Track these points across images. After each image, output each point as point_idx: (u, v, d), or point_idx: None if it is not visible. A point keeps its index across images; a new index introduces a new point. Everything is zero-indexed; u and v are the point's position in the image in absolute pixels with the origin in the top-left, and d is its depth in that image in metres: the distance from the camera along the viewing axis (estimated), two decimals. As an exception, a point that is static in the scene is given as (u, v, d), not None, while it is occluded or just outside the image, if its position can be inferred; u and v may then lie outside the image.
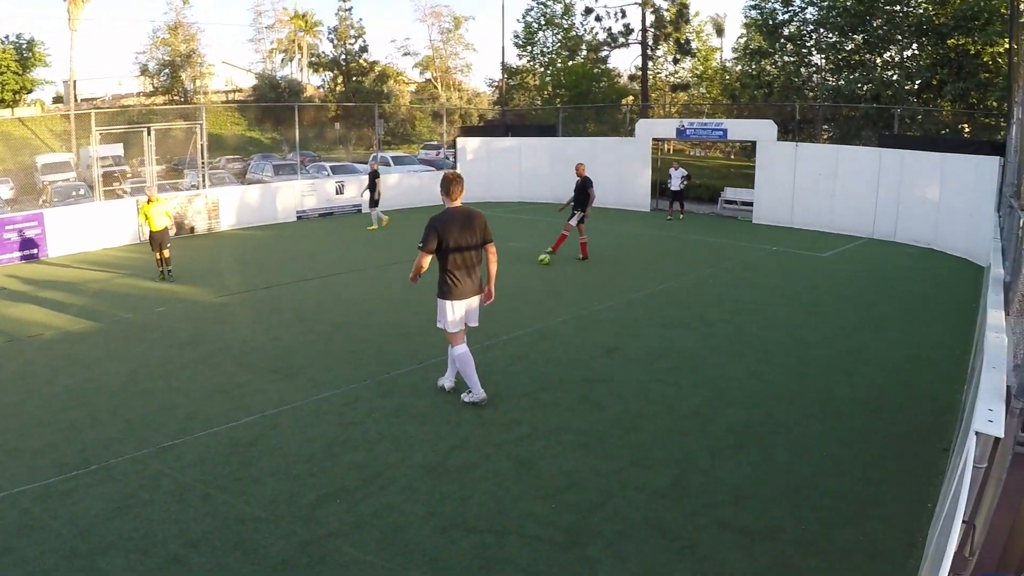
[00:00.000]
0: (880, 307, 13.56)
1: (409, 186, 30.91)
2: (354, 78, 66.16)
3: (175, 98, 62.26)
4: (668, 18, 51.22)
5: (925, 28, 32.28)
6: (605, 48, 54.77)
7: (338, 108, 57.30)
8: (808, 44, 38.85)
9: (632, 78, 56.35)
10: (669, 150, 44.83)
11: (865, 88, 34.02)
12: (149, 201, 17.39)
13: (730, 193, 29.04)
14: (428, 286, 15.22)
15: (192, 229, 24.15)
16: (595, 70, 52.77)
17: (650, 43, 52.56)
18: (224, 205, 25.08)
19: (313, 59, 70.39)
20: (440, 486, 7.03)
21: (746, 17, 45.36)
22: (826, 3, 36.52)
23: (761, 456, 7.48)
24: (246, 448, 8.05)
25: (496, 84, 63.08)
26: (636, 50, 53.55)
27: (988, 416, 3.71)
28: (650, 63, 53.90)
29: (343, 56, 67.87)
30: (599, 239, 21.13)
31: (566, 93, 50.23)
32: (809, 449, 7.61)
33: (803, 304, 13.75)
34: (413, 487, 7.03)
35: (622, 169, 28.83)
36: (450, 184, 8.99)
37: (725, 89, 46.68)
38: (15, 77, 57.04)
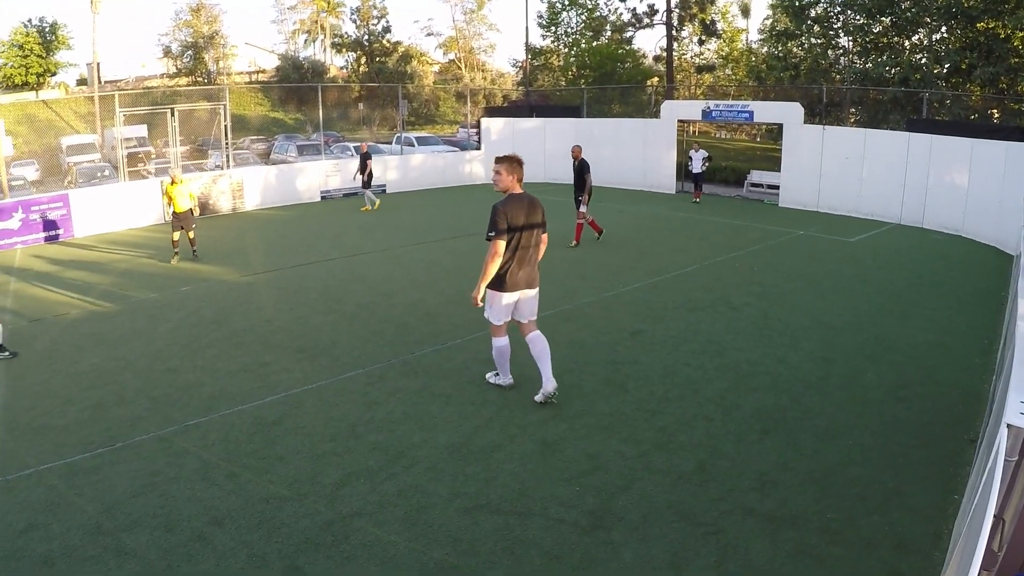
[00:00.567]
0: (907, 294, 13.44)
1: (433, 166, 30.89)
2: (377, 59, 66.11)
3: (198, 79, 62.47)
4: (693, -1, 50.91)
5: (954, 11, 31.77)
6: (630, 28, 54.54)
7: (362, 89, 57.28)
8: (835, 26, 38.37)
9: (657, 59, 56.10)
10: (694, 132, 44.57)
11: (893, 71, 33.56)
12: (173, 182, 17.33)
13: (756, 176, 28.78)
14: (454, 266, 15.23)
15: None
16: (620, 51, 52.53)
17: (675, 23, 52.22)
18: (248, 185, 25.15)
19: (336, 40, 70.39)
20: (464, 467, 7.05)
21: (772, -3, 44.89)
22: (854, -17, 36.10)
23: (787, 442, 7.44)
24: (270, 427, 8.10)
25: (520, 64, 62.87)
26: (661, 31, 53.34)
27: (1020, 408, 3.65)
28: (675, 44, 53.57)
29: (366, 37, 67.85)
30: (625, 220, 21.07)
31: (591, 74, 50.01)
32: (835, 436, 7.56)
33: (829, 289, 13.64)
34: (437, 468, 7.05)
35: (647, 151, 28.70)
36: (514, 167, 8.38)
37: (751, 71, 46.24)
38: (39, 60, 57.54)
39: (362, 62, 67.98)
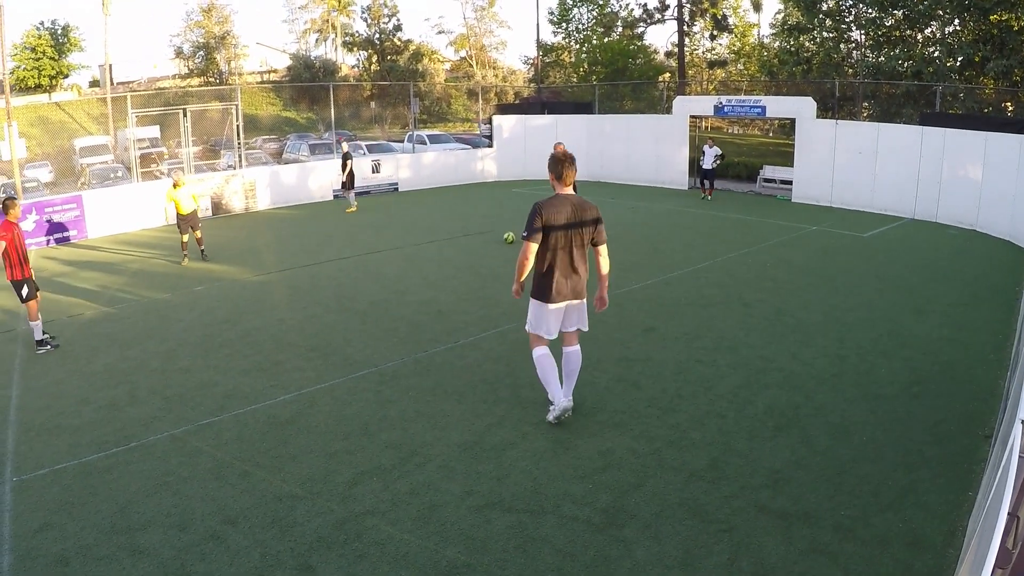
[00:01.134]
0: (921, 289, 13.38)
1: (445, 164, 30.90)
2: (388, 57, 66.21)
3: (210, 80, 62.73)
4: (705, -7, 50.79)
5: (967, 3, 31.51)
6: (641, 24, 54.48)
7: (373, 87, 57.39)
8: (847, 19, 38.15)
9: (668, 55, 55.98)
10: (706, 127, 44.46)
11: (906, 65, 33.39)
12: (175, 185, 17.19)
13: (769, 171, 28.71)
14: (466, 265, 15.24)
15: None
16: (631, 47, 52.42)
17: (686, 19, 52.17)
18: (261, 185, 25.21)
19: (347, 39, 70.48)
20: (476, 465, 7.06)
21: (784, -9, 44.72)
22: (866, -23, 35.91)
23: (800, 439, 7.42)
24: (283, 426, 8.13)
25: (531, 61, 62.88)
26: (672, 26, 53.23)
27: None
28: (686, 39, 53.50)
29: (377, 35, 67.97)
30: (637, 217, 21.06)
31: (602, 70, 49.92)
32: (848, 433, 7.54)
33: (842, 285, 13.59)
34: (449, 466, 7.06)
35: (659, 147, 28.66)
36: (562, 165, 7.59)
37: (763, 66, 46.10)
38: (51, 62, 57.99)
39: (373, 61, 68.10)
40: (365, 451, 7.45)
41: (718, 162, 25.30)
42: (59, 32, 59.13)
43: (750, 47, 56.82)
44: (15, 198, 11.82)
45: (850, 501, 6.26)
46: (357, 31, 70.38)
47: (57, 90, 59.80)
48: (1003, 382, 8.73)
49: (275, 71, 72.87)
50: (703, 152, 25.58)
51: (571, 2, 57.75)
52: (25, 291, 11.14)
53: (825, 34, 38.62)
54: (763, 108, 26.55)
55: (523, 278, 7.72)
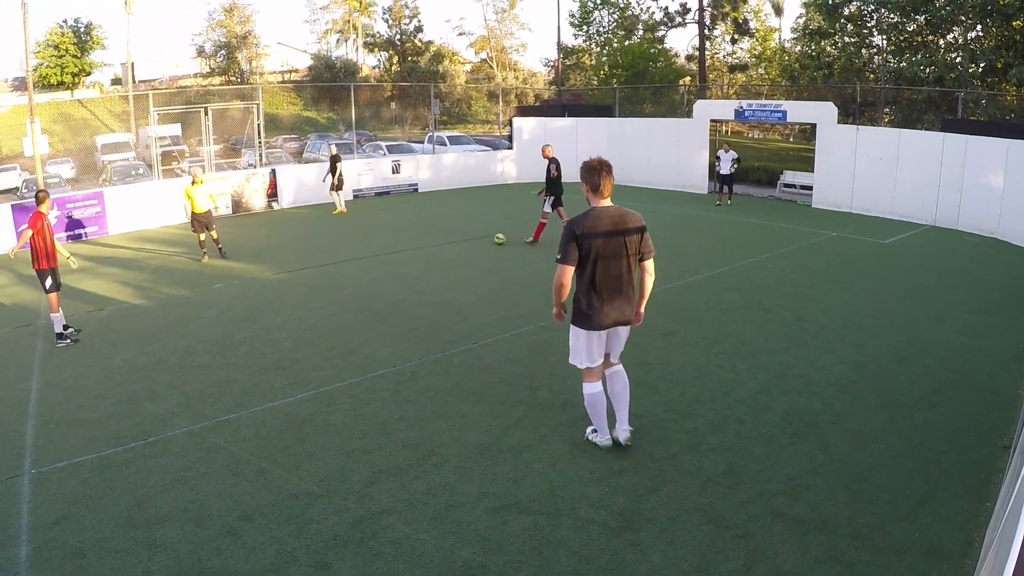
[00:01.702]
0: (941, 297, 13.30)
1: (465, 165, 30.96)
2: (409, 58, 66.35)
3: (231, 79, 63.05)
4: (726, -3, 50.68)
5: (989, 9, 31.32)
6: (662, 28, 54.46)
7: (394, 88, 57.52)
8: (869, 24, 37.97)
9: (689, 58, 55.90)
10: (727, 132, 44.30)
11: (928, 71, 33.20)
12: (193, 182, 17.10)
13: (789, 176, 28.56)
14: (486, 266, 15.24)
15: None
16: (652, 50, 52.35)
17: (707, 22, 52.05)
18: (281, 184, 25.31)
19: (368, 39, 70.64)
20: (493, 466, 7.08)
21: (805, -4, 44.50)
22: (888, -18, 35.71)
23: (818, 446, 7.39)
24: (301, 424, 8.17)
25: (552, 64, 62.88)
26: (693, 30, 53.23)
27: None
28: (708, 43, 53.41)
29: (398, 36, 68.12)
30: (657, 221, 20.78)
31: (622, 73, 49.85)
32: (866, 441, 7.50)
33: (862, 291, 13.52)
34: (466, 467, 7.08)
35: (679, 151, 28.60)
36: (598, 175, 6.80)
37: (784, 70, 45.92)
38: (74, 60, 58.45)
39: (394, 61, 68.24)
40: (382, 450, 7.47)
41: (735, 166, 25.12)
42: (82, 30, 59.59)
43: (771, 51, 56.64)
44: (47, 191, 11.98)
45: (867, 509, 6.23)
46: (378, 32, 70.57)
47: (79, 87, 60.26)
48: (1023, 392, 8.68)
49: (296, 71, 73.11)
50: (718, 158, 25.41)
51: (592, 5, 57.74)
52: (49, 282, 11.30)
53: (847, 39, 38.45)
54: (784, 113, 26.46)
55: (563, 300, 7.06)
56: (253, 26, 66.03)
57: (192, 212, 16.94)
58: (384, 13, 69.43)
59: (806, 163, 28.97)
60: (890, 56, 37.38)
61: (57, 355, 10.89)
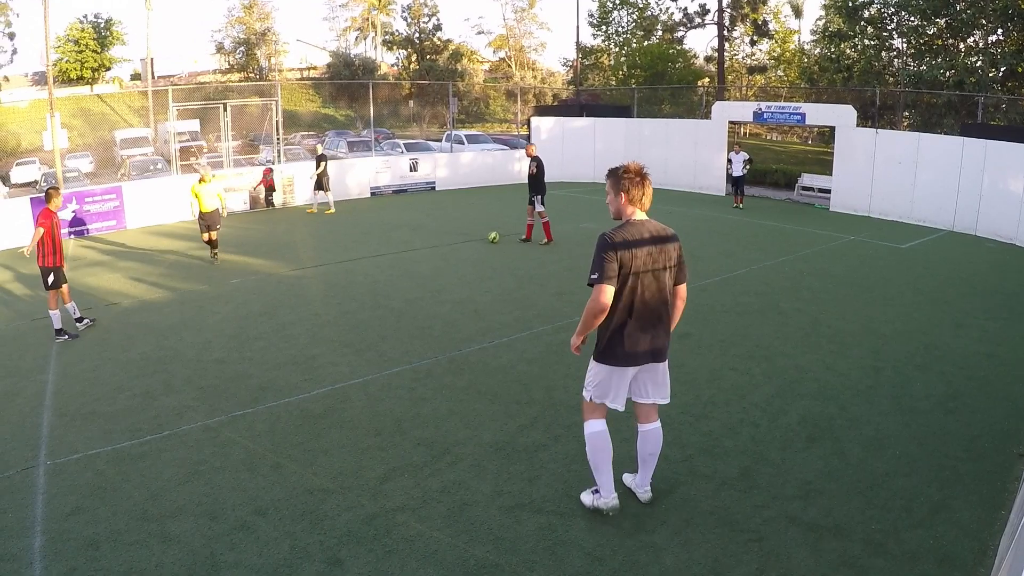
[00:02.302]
0: (958, 303, 13.22)
1: (483, 164, 30.99)
2: (428, 56, 66.47)
3: (250, 75, 63.41)
4: (745, -2, 50.53)
5: (1011, 12, 31.12)
6: (681, 28, 54.39)
7: (412, 86, 57.68)
8: (889, 27, 37.82)
9: (708, 59, 55.79)
10: (746, 134, 44.19)
11: (947, 74, 33.04)
12: (201, 180, 16.43)
13: (807, 179, 28.46)
14: (502, 265, 15.23)
15: (270, 202, 24.51)
16: (671, 51, 52.29)
17: (727, 24, 51.91)
18: (299, 181, 25.39)
19: (387, 37, 70.85)
20: (508, 465, 7.08)
21: (825, -2, 44.33)
22: (908, -16, 35.51)
23: (832, 451, 7.37)
24: (316, 420, 8.21)
25: (571, 64, 62.86)
26: (712, 31, 53.05)
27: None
28: (727, 44, 53.24)
29: (417, 34, 68.29)
30: (674, 222, 20.74)
31: (641, 74, 49.83)
32: (882, 446, 7.47)
33: (879, 296, 13.47)
34: (481, 465, 7.09)
35: (697, 152, 28.56)
36: (634, 183, 5.91)
37: (803, 72, 45.76)
38: (94, 55, 58.92)
39: (413, 60, 68.43)
40: (397, 447, 7.49)
41: (747, 168, 24.98)
42: (102, 25, 60.08)
43: (790, 53, 56.44)
44: (57, 188, 12.04)
45: (881, 515, 6.21)
46: (397, 30, 70.87)
47: (99, 82, 60.70)
48: (1041, 399, 8.65)
49: (315, 68, 73.46)
50: (730, 160, 25.28)
51: (611, 5, 57.68)
52: (52, 279, 11.36)
53: (866, 42, 38.32)
54: (803, 115, 26.38)
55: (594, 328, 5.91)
56: (272, 23, 66.43)
57: (199, 211, 16.38)
58: (403, 11, 69.81)
59: (824, 166, 28.88)
60: (910, 59, 37.22)
61: (74, 348, 10.97)
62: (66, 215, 19.96)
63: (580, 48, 56.16)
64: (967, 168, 20.72)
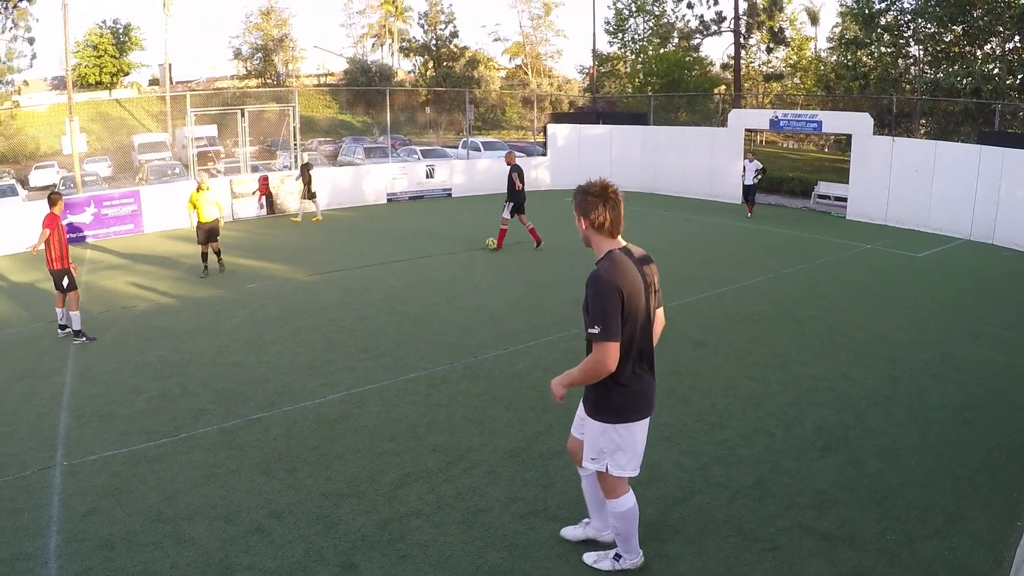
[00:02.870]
0: (975, 312, 13.15)
1: (499, 171, 30.93)
2: (444, 63, 66.68)
3: (268, 81, 63.75)
4: (762, 6, 50.50)
5: (1027, 19, 31.01)
6: (697, 36, 54.34)
7: (428, 93, 57.84)
8: (906, 34, 37.62)
9: (724, 67, 55.69)
10: (761, 141, 44.09)
11: (964, 82, 32.83)
12: (199, 189, 15.77)
13: (823, 187, 28.32)
14: (518, 272, 15.24)
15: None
16: (687, 58, 52.24)
17: (743, 31, 51.84)
18: (316, 186, 25.49)
19: (404, 44, 71.10)
20: (523, 472, 7.10)
21: (841, 5, 44.12)
22: (925, -9, 35.29)
23: (848, 460, 7.35)
24: (332, 424, 8.26)
25: (587, 71, 62.92)
26: (729, 38, 53.09)
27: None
28: (743, 52, 53.16)
29: (433, 41, 68.51)
30: (690, 230, 20.99)
31: (657, 81, 49.79)
32: (897, 456, 7.44)
33: (895, 305, 13.41)
34: (496, 472, 7.11)
35: (714, 160, 28.48)
36: (609, 206, 4.92)
37: (819, 80, 45.63)
38: (112, 60, 59.47)
39: (429, 66, 68.62)
40: (412, 453, 7.53)
41: (759, 176, 24.84)
42: (120, 31, 60.54)
43: (807, 61, 56.31)
44: (60, 193, 12.16)
45: (896, 526, 6.20)
46: (414, 37, 71.12)
47: (117, 87, 61.18)
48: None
49: (332, 74, 73.72)
50: (743, 168, 25.14)
51: (628, 12, 57.71)
52: (66, 281, 11.48)
53: (883, 49, 38.12)
54: (819, 123, 26.27)
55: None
56: (289, 29, 66.78)
57: (197, 221, 15.74)
58: (420, 18, 70.01)
59: (841, 174, 28.73)
60: (927, 67, 37.03)
61: (91, 350, 11.07)
62: (85, 218, 20.13)
63: (596, 55, 56.23)
64: (984, 176, 20.60)
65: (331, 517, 6.36)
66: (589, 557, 5.69)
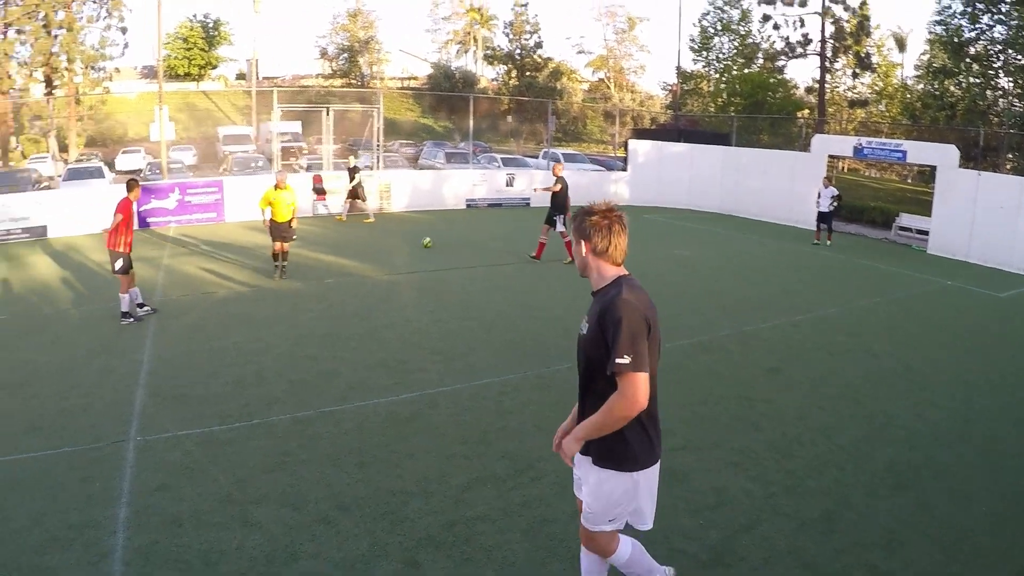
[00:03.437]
0: (1058, 357, 12.84)
1: (578, 184, 30.96)
2: (528, 73, 66.96)
3: (352, 82, 64.65)
4: (848, 30, 49.72)
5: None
6: (782, 57, 53.71)
7: (511, 102, 58.11)
8: (995, 65, 36.79)
9: (809, 90, 54.94)
10: (843, 168, 43.45)
11: (1054, 117, 32.09)
12: (276, 187, 15.28)
13: (905, 219, 27.80)
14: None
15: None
16: (771, 79, 51.73)
17: (829, 55, 51.15)
18: (396, 188, 25.87)
19: (488, 52, 71.53)
20: (590, 487, 7.13)
21: (930, 33, 43.37)
22: (1015, 22, 34.39)
23: (917, 501, 7.24)
24: (403, 423, 8.41)
25: (670, 88, 62.66)
26: (814, 61, 52.28)
27: None
28: (828, 76, 52.45)
29: (518, 51, 68.82)
30: (768, 254, 20.81)
31: (740, 101, 49.40)
32: (969, 501, 7.31)
33: (974, 345, 13.12)
34: (563, 483, 7.11)
35: (795, 185, 28.08)
36: (616, 232, 4.46)
37: (905, 108, 44.85)
38: (201, 53, 61.23)
39: (512, 75, 68.95)
40: (482, 458, 7.63)
41: (835, 204, 24.25)
42: (210, 25, 62.26)
43: (892, 88, 55.38)
44: (138, 181, 12.54)
45: (964, 572, 6.09)
46: (498, 45, 71.50)
47: (205, 79, 62.78)
48: None
49: (415, 78, 74.58)
50: (819, 194, 24.53)
51: (713, 31, 57.40)
52: (120, 264, 11.85)
53: (971, 79, 37.30)
54: (903, 153, 25.80)
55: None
56: (375, 32, 67.84)
57: (272, 220, 15.25)
58: (505, 27, 70.38)
59: (922, 206, 28.19)
60: (1016, 99, 36.13)
61: (170, 332, 11.47)
62: (169, 204, 20.72)
63: (680, 72, 55.99)
64: (1074, 217, 20.06)
65: (398, 514, 6.48)
66: None
